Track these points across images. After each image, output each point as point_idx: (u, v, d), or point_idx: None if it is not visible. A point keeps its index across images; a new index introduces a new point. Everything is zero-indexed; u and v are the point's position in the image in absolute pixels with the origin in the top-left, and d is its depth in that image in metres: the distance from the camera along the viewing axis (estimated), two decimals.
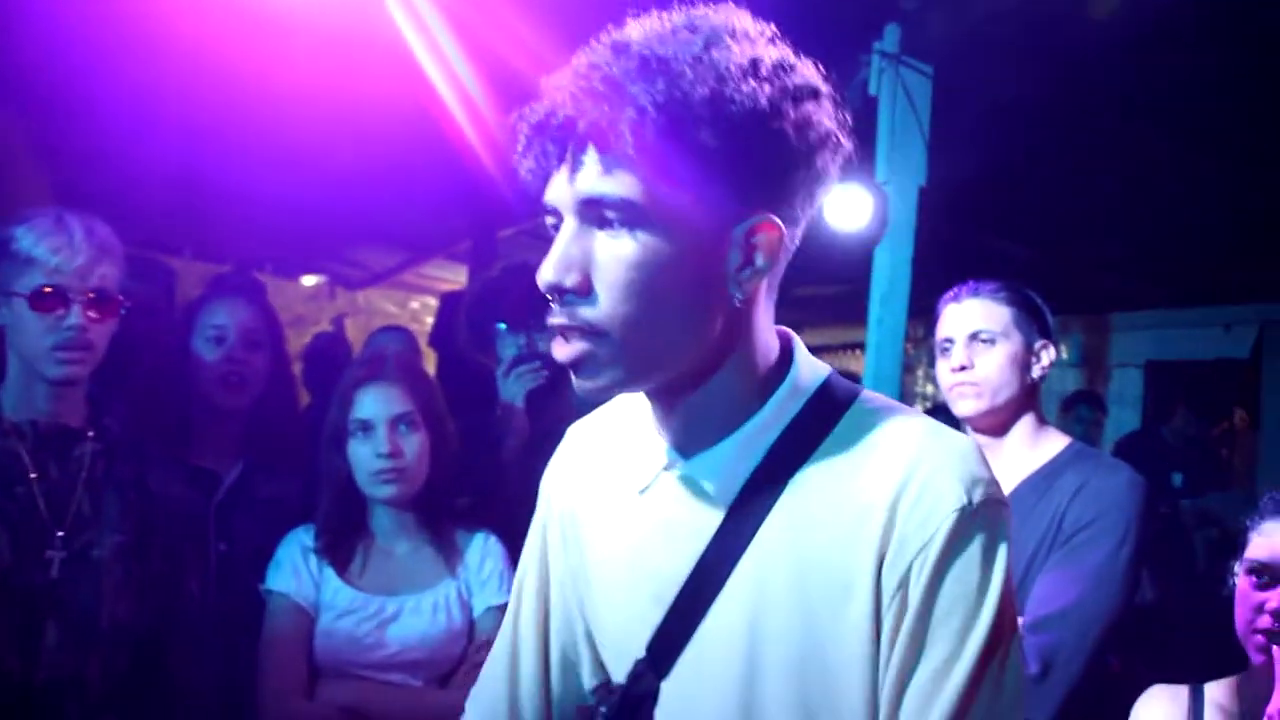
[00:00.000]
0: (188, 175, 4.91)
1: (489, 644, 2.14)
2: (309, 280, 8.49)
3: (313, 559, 2.17)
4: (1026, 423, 2.24)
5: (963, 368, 2.21)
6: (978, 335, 2.23)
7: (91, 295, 1.85)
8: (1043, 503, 2.10)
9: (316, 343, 4.41)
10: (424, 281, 8.54)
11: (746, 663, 1.02)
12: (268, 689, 2.07)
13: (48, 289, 1.82)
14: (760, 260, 1.00)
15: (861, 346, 3.72)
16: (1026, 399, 2.24)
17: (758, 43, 0.99)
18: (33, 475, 1.85)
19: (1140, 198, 4.40)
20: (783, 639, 1.00)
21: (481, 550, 2.27)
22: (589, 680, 1.21)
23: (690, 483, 1.07)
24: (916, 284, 3.72)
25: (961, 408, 2.24)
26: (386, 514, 2.22)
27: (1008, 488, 2.04)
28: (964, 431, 2.33)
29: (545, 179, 1.00)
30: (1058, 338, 2.34)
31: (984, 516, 0.97)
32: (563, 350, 1.00)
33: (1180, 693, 1.85)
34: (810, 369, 1.09)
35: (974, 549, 0.96)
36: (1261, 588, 1.79)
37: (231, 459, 2.47)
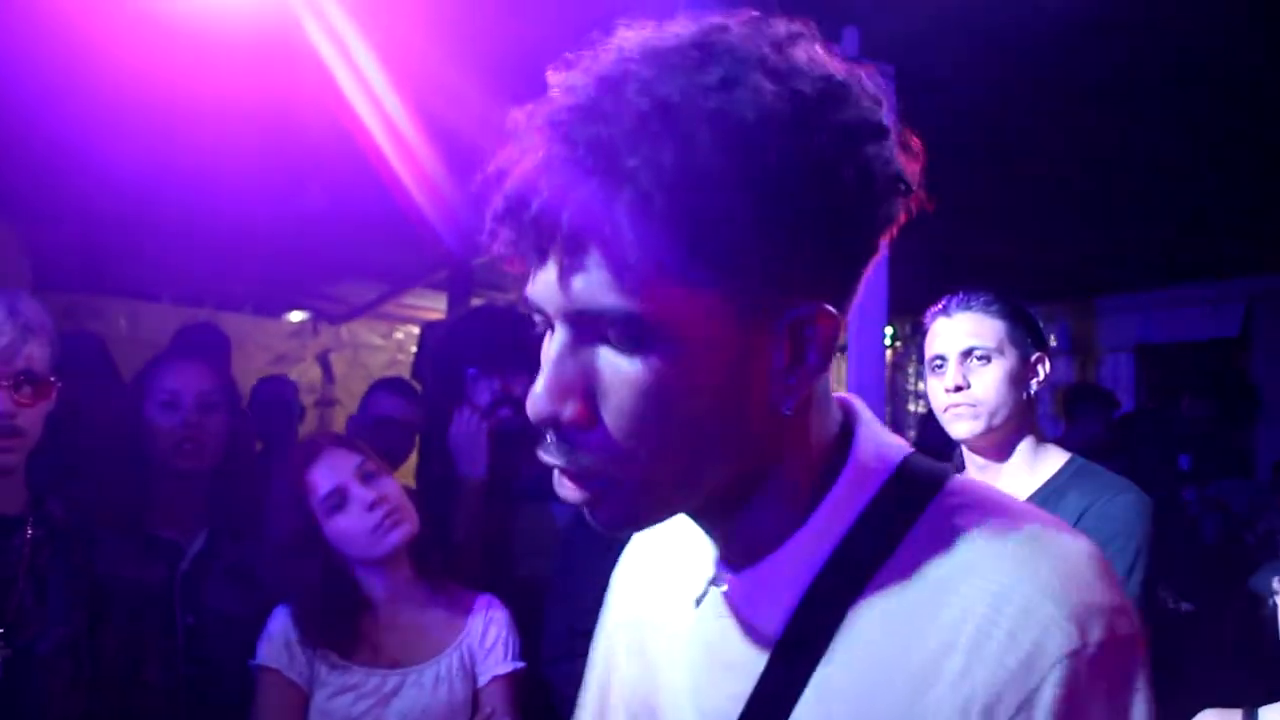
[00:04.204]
0: (164, 220, 4.86)
1: (492, 715, 2.08)
2: (293, 317, 8.42)
3: None
4: (1027, 444, 2.16)
5: (958, 388, 2.11)
6: (972, 352, 2.13)
7: (19, 378, 1.76)
8: None
9: (262, 388, 4.24)
10: (406, 311, 8.48)
11: None
12: None
13: None
14: (814, 357, 0.77)
15: (843, 350, 3.66)
16: (1024, 415, 2.15)
17: (795, 64, 0.73)
18: None
19: (1116, 182, 4.36)
20: None
21: (485, 617, 2.18)
22: None
23: (734, 606, 0.86)
24: (898, 280, 3.66)
25: (958, 429, 2.14)
26: (383, 581, 2.12)
27: None
28: (959, 452, 2.26)
29: (524, 266, 0.78)
30: (1047, 332, 2.27)
31: (1108, 661, 0.71)
32: (570, 493, 0.80)
33: (1233, 718, 1.77)
34: (877, 453, 0.84)
35: (1099, 710, 0.71)
36: None
37: (195, 527, 2.38)
